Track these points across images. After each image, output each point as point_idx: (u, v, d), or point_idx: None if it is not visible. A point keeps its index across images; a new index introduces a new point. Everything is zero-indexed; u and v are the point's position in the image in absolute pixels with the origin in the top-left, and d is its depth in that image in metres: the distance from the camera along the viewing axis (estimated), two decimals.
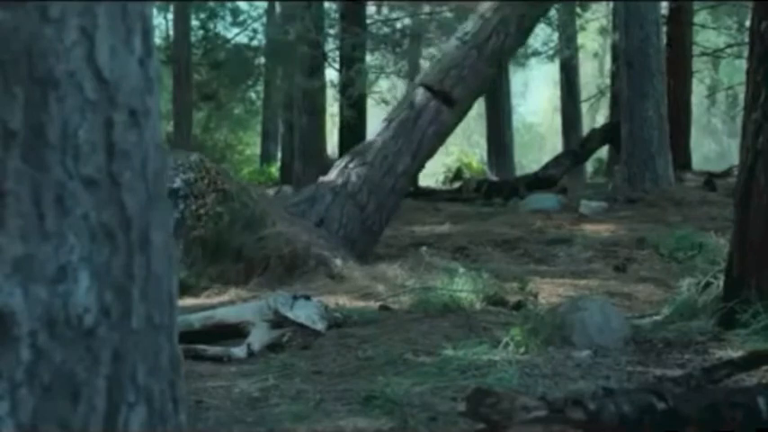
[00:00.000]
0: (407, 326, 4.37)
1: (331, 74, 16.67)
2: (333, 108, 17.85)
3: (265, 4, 19.95)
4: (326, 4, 17.00)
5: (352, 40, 14.87)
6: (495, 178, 15.79)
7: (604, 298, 5.01)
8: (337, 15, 16.53)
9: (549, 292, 5.58)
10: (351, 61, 14.91)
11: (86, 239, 1.26)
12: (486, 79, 8.17)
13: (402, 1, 17.39)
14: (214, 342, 4.04)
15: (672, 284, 5.34)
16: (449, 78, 7.55)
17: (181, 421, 1.43)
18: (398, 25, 18.03)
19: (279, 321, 4.12)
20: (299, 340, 4.06)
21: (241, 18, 20.49)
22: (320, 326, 4.19)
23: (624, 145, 11.10)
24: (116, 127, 1.31)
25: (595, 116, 23.11)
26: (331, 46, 16.64)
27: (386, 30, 17.78)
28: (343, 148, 12.99)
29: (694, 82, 16.12)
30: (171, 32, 19.35)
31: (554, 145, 19.93)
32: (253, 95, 23.18)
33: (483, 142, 20.81)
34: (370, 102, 17.16)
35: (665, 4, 13.50)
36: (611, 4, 15.99)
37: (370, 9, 17.34)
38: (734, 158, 11.80)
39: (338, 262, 6.16)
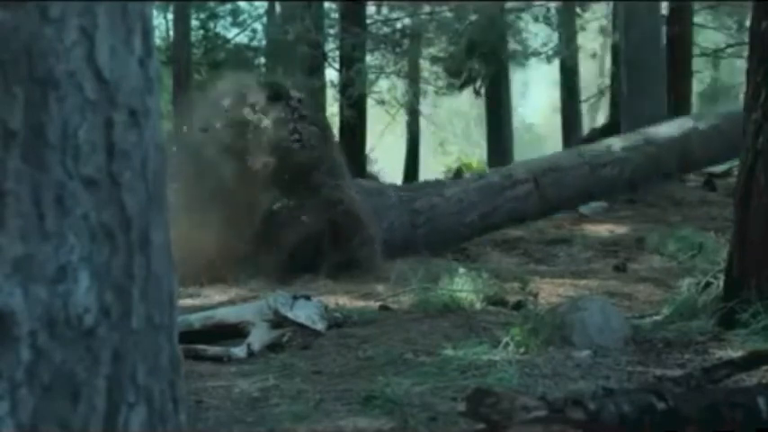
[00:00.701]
0: (407, 326, 4.37)
1: (331, 74, 16.68)
2: (333, 108, 17.84)
3: (265, 4, 19.93)
4: (326, 4, 16.99)
5: (352, 40, 14.87)
6: None
7: (604, 298, 5.01)
8: (337, 15, 16.53)
9: (549, 292, 5.58)
10: (351, 61, 14.91)
11: (86, 239, 1.26)
12: (581, 194, 8.57)
13: (402, 1, 17.37)
14: (214, 342, 4.04)
15: (672, 284, 5.34)
16: (550, 175, 7.98)
17: (181, 421, 1.43)
18: (398, 25, 18.01)
19: (279, 321, 4.12)
20: (299, 340, 4.06)
21: (241, 18, 20.47)
22: (320, 326, 4.19)
23: None
24: (116, 127, 1.31)
25: (595, 116, 23.10)
26: (331, 46, 16.63)
27: (386, 30, 17.77)
28: (343, 147, 12.97)
29: (694, 82, 16.11)
30: (171, 32, 19.34)
31: (554, 145, 19.92)
32: None
33: (483, 142, 20.79)
34: (370, 102, 17.16)
35: (665, 4, 13.49)
36: (611, 4, 15.99)
37: (370, 9, 17.32)
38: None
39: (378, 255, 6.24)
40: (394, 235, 7.08)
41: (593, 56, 21.06)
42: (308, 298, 4.38)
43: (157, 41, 10.79)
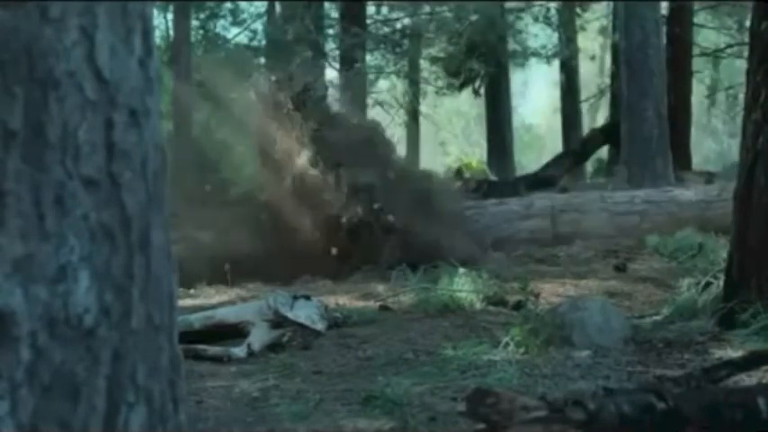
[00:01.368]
0: (407, 326, 4.37)
1: (331, 74, 16.68)
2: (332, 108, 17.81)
3: (265, 4, 19.93)
4: (326, 4, 16.99)
5: (352, 40, 14.87)
6: (495, 178, 15.78)
7: (604, 298, 5.01)
8: (337, 15, 16.53)
9: (549, 292, 5.58)
10: (351, 61, 14.91)
11: (86, 239, 1.26)
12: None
13: (402, 1, 17.38)
14: (214, 342, 4.04)
15: (672, 284, 5.34)
16: (565, 215, 8.15)
17: (181, 421, 1.43)
18: (398, 25, 18.01)
19: (279, 321, 4.11)
20: (299, 340, 4.06)
21: (241, 18, 20.46)
22: (320, 326, 4.19)
23: (624, 145, 11.09)
24: (116, 127, 1.31)
25: (595, 116, 23.10)
26: (331, 46, 16.64)
27: (386, 30, 17.77)
28: None
29: (694, 82, 16.11)
30: (171, 32, 19.33)
31: (554, 145, 19.94)
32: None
33: (483, 142, 20.79)
34: (369, 102, 17.16)
35: (665, 4, 13.49)
36: (611, 4, 15.99)
37: (370, 9, 17.32)
38: (734, 158, 11.79)
39: None
40: None
41: (592, 58, 21.07)
42: (308, 298, 4.38)
43: (157, 41, 10.78)
